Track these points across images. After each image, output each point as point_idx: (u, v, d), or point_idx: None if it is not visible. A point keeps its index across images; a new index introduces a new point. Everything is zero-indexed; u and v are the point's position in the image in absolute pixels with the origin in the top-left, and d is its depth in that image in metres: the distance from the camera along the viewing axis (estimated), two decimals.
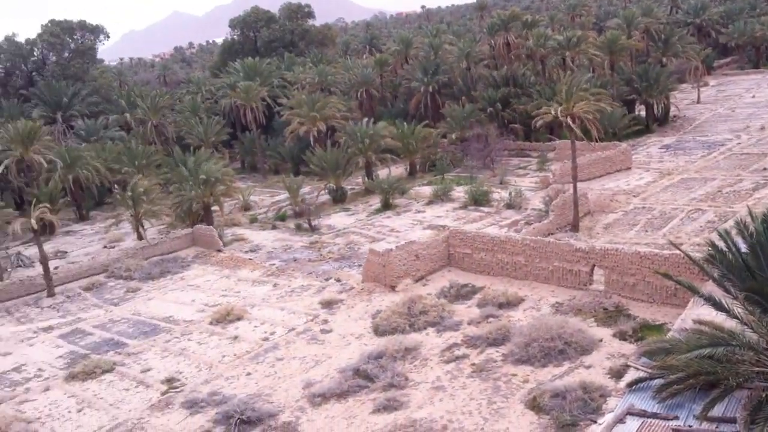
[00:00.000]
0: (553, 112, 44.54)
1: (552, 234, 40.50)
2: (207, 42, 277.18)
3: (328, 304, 35.62)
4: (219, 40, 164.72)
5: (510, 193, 49.81)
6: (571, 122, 43.81)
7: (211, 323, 34.99)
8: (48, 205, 47.38)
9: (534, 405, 23.92)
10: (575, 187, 42.58)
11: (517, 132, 70.34)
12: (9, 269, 47.01)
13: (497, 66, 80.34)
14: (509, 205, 48.74)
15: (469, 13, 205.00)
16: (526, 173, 59.59)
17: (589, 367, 25.93)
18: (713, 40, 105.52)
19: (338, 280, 39.15)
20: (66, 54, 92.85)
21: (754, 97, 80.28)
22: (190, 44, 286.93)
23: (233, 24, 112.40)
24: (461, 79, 78.91)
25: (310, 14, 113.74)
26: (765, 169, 50.02)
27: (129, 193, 50.19)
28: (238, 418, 25.05)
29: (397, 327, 31.32)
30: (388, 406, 25.09)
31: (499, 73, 75.55)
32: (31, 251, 48.88)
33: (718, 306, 20.47)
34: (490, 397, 24.90)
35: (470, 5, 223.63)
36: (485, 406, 24.36)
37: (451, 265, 38.64)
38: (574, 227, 41.95)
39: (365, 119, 65.89)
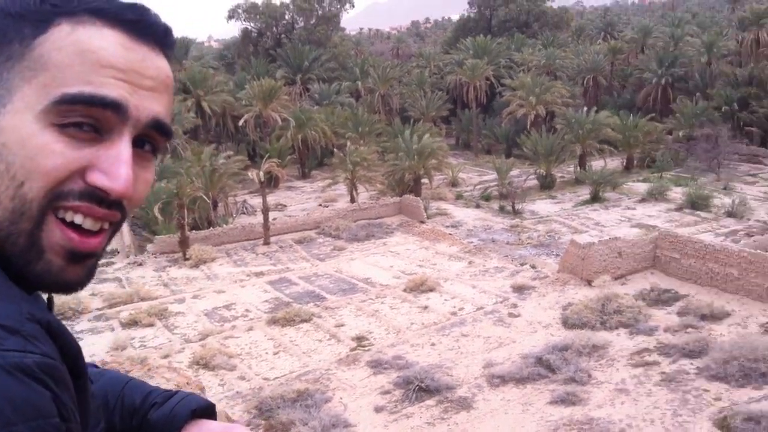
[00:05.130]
0: None
1: None
2: (443, 18, 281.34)
3: (519, 289, 35.53)
4: (455, 17, 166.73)
5: (733, 201, 46.24)
6: None
7: (404, 290, 36.25)
8: (277, 160, 51.51)
9: (723, 425, 22.50)
10: None
11: (752, 136, 64.78)
12: (234, 215, 51.62)
13: (741, 64, 74.21)
14: (730, 213, 45.28)
15: (719, 4, 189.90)
16: (756, 181, 54.84)
17: None
18: None
19: (533, 267, 38.85)
20: (313, 20, 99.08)
21: None
22: (427, 19, 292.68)
23: (472, 1, 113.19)
24: (699, 74, 73.84)
25: None
26: None
27: (348, 158, 53.00)
28: (417, 385, 25.83)
29: (587, 322, 30.62)
30: (566, 400, 24.77)
31: (742, 71, 69.76)
32: (256, 201, 53.33)
33: None
34: (676, 409, 23.76)
35: None
36: (669, 417, 23.31)
37: (655, 267, 36.86)
38: None
39: (588, 107, 64.04)
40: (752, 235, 40.13)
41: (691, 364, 26.70)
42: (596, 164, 59.18)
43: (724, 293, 33.23)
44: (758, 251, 33.87)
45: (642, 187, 53.32)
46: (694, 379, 25.63)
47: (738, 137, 64.38)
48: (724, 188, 51.76)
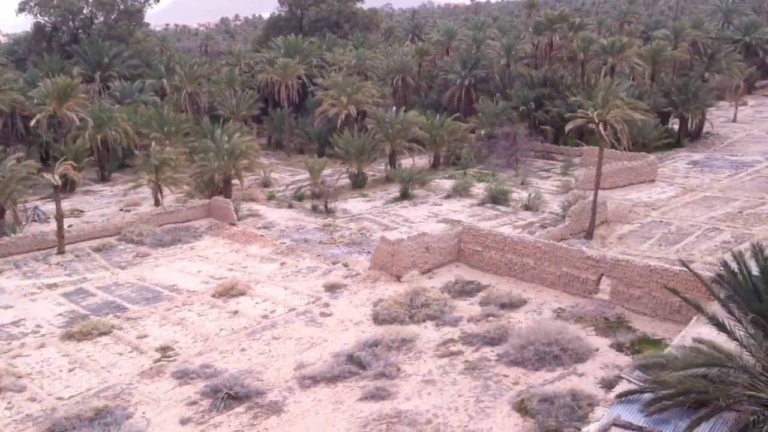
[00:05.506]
0: (581, 119, 43.80)
1: (565, 239, 39.88)
2: (253, 15, 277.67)
3: (331, 288, 35.49)
4: (266, 15, 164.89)
5: (529, 195, 49.20)
6: (602, 129, 43.08)
7: (213, 296, 35.04)
8: (72, 163, 47.92)
9: (521, 407, 23.66)
10: (596, 195, 41.88)
11: (546, 134, 69.49)
12: (24, 223, 47.45)
13: (537, 66, 79.35)
14: (527, 207, 48.13)
15: (517, 10, 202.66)
16: (550, 176, 58.82)
17: (581, 375, 25.55)
18: (760, 60, 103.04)
19: (345, 265, 38.97)
20: (114, 15, 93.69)
21: None
22: (237, 16, 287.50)
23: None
24: (499, 75, 78.03)
25: None
26: None
27: (152, 159, 50.42)
28: (226, 393, 25.04)
29: (397, 317, 31.17)
30: (375, 395, 24.96)
31: (537, 72, 74.56)
32: (49, 207, 49.40)
33: (720, 326, 20.01)
34: (479, 395, 24.65)
35: (520, 2, 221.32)
36: (472, 404, 24.11)
37: (460, 260, 38.27)
38: (588, 235, 41.26)
39: (397, 107, 65.55)
40: (546, 227, 42.82)
41: (492, 351, 27.85)
42: (406, 162, 60.76)
43: (522, 282, 35.12)
44: (551, 241, 36.12)
45: (448, 184, 55.35)
46: (494, 365, 26.74)
47: (534, 135, 68.68)
48: (522, 183, 54.96)
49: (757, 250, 19.43)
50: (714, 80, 79.77)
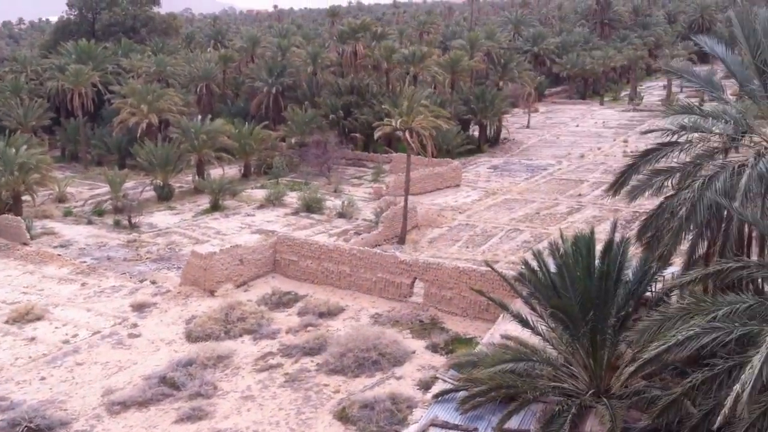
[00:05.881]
0: (394, 124, 44.92)
1: (379, 245, 40.68)
2: (39, 19, 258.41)
3: (139, 307, 33.67)
4: (54, 19, 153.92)
5: (343, 202, 49.69)
6: (408, 136, 44.37)
7: (6, 322, 32.05)
8: None
9: (342, 416, 23.68)
10: (406, 200, 43.08)
11: (356, 141, 70.66)
12: None
13: (343, 74, 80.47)
14: (341, 214, 48.54)
15: (320, 18, 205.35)
16: (361, 183, 59.81)
17: (400, 378, 26.07)
18: (547, 69, 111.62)
19: (154, 282, 37.11)
20: None
21: (578, 126, 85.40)
22: (21, 20, 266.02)
23: (71, 2, 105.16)
24: (306, 83, 78.21)
25: (155, 1, 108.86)
26: (580, 195, 53.05)
27: None
28: (26, 426, 23.12)
29: (212, 334, 30.19)
30: (192, 416, 24.03)
31: (344, 81, 75.62)
32: None
33: (523, 322, 21.15)
34: (300, 407, 24.40)
35: (323, 10, 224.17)
36: (293, 417, 23.81)
37: (276, 271, 37.78)
38: (401, 240, 42.37)
39: (203, 115, 63.65)
40: (360, 234, 43.40)
41: (312, 361, 27.71)
42: (215, 173, 59.08)
43: (339, 290, 35.28)
44: (365, 248, 36.63)
45: (260, 194, 54.53)
46: (315, 375, 26.61)
47: (344, 143, 69.54)
48: (335, 191, 55.36)
49: (553, 249, 20.70)
50: (508, 88, 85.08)
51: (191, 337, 30.24)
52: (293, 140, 66.32)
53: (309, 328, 30.69)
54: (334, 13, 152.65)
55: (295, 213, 49.80)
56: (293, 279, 36.90)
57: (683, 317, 14.79)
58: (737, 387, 11.82)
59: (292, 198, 52.81)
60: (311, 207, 49.73)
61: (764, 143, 19.35)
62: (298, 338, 29.66)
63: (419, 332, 30.04)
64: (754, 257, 19.04)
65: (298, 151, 64.80)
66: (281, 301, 34.10)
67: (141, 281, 37.41)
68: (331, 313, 32.30)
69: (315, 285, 35.99)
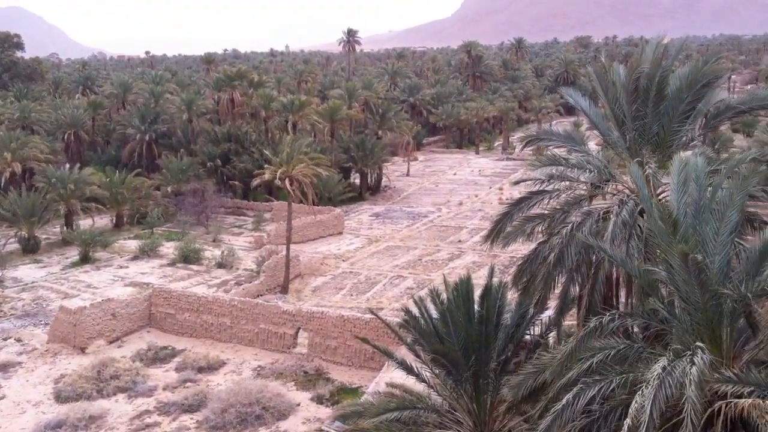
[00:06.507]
0: (268, 175, 44.65)
1: (261, 295, 39.99)
2: None
3: (3, 367, 31.62)
4: None
5: (222, 252, 48.63)
6: (289, 185, 44.20)
7: None
8: None
9: None
10: (288, 249, 42.70)
11: (235, 190, 69.68)
12: None
13: (220, 121, 79.62)
14: (220, 265, 47.45)
15: (195, 65, 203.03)
16: (242, 232, 58.83)
17: None
18: (424, 119, 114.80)
19: (18, 340, 34.87)
20: None
21: (455, 174, 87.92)
22: None
23: None
24: (182, 130, 76.82)
25: (19, 45, 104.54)
26: (460, 241, 54.40)
27: None
28: None
29: (83, 393, 28.65)
30: None
31: (221, 128, 74.79)
32: None
33: (408, 369, 21.16)
34: None
35: (198, 57, 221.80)
36: None
37: (151, 325, 36.38)
38: (284, 289, 41.84)
39: (71, 164, 60.98)
40: (241, 284, 42.51)
41: (191, 418, 26.71)
42: (85, 223, 56.47)
43: (219, 343, 34.31)
44: (247, 299, 35.93)
45: (134, 245, 52.49)
46: None
47: (223, 191, 68.38)
48: (214, 240, 54.10)
49: (434, 295, 20.98)
50: (387, 137, 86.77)
51: (60, 398, 28.56)
52: (169, 189, 64.53)
53: (188, 384, 29.62)
54: (209, 60, 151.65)
55: (172, 264, 48.21)
56: (170, 333, 35.64)
57: (560, 371, 15.23)
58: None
59: (169, 248, 51.17)
60: (189, 257, 48.32)
61: (626, 191, 20.60)
62: (177, 395, 28.54)
63: (304, 384, 29.57)
64: (623, 298, 20.10)
65: (174, 200, 63.07)
66: (158, 357, 32.82)
67: (4, 339, 35.10)
68: (211, 367, 31.34)
69: (194, 338, 34.87)
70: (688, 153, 19.36)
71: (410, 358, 21.53)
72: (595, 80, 22.11)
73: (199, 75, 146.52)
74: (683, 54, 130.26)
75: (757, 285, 13.63)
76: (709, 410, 12.45)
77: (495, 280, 21.45)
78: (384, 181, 78.17)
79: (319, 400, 28.04)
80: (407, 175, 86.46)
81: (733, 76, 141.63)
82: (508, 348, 20.28)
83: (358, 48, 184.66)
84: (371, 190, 75.41)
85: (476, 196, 72.86)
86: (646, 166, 19.67)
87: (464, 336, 19.63)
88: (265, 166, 46.08)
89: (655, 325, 15.29)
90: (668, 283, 14.49)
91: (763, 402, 11.75)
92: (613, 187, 21.12)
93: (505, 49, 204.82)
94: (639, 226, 18.94)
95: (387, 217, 64.20)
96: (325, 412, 26.73)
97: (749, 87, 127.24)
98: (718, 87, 22.04)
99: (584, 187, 21.28)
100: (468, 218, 62.56)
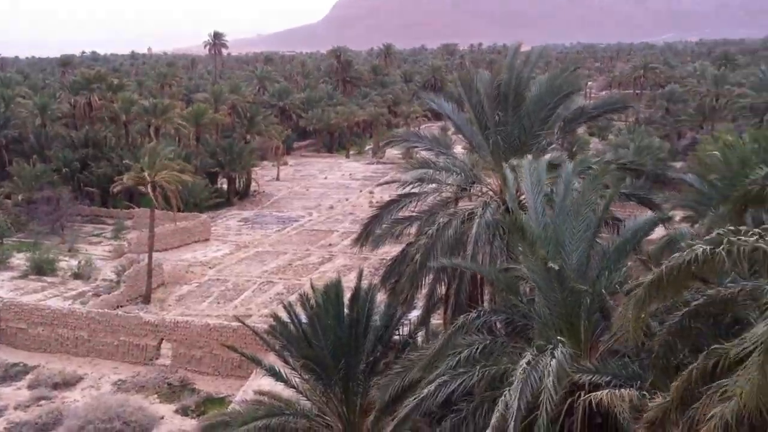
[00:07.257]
0: (130, 180, 42.80)
1: (122, 306, 38.19)
2: None
3: None
4: None
5: (79, 262, 46.09)
6: (152, 191, 42.52)
7: None
8: None
9: None
10: (150, 258, 41.05)
11: (93, 197, 66.31)
12: None
13: (77, 126, 75.65)
14: (77, 275, 44.92)
15: (50, 67, 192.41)
16: (100, 241, 55.93)
17: None
18: (294, 123, 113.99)
19: None
20: None
21: (326, 178, 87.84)
22: None
23: None
24: (34, 136, 72.39)
25: None
26: (330, 245, 54.29)
27: None
28: None
29: None
30: None
31: (78, 133, 71.09)
32: None
33: (277, 376, 20.74)
34: None
35: (53, 59, 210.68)
36: None
37: (1, 342, 33.85)
38: (146, 299, 40.13)
39: None
40: (100, 295, 40.35)
41: None
42: None
43: (76, 357, 32.51)
44: (105, 310, 34.22)
45: None
46: None
47: (80, 198, 64.87)
48: (70, 250, 51.16)
49: (304, 299, 20.72)
50: (255, 142, 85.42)
51: None
52: (20, 197, 60.62)
53: (41, 402, 27.86)
54: (66, 62, 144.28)
55: (24, 276, 45.19)
56: (22, 349, 33.43)
57: (428, 369, 15.36)
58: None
59: (20, 260, 47.94)
60: (42, 269, 45.47)
61: (490, 193, 21.15)
62: (29, 414, 26.81)
63: (168, 396, 28.48)
64: (487, 296, 20.58)
65: (27, 209, 59.28)
66: (8, 375, 30.79)
67: None
68: (67, 383, 29.63)
69: (48, 354, 32.85)
70: (547, 156, 20.13)
71: (279, 365, 21.13)
72: (460, 86, 22.59)
73: (55, 78, 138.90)
74: (543, 61, 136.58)
75: (611, 281, 14.34)
76: (569, 399, 12.88)
77: (365, 282, 21.47)
78: (253, 186, 76.90)
79: (184, 411, 27.11)
80: (277, 179, 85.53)
81: (589, 83, 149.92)
82: (377, 349, 20.28)
83: (225, 51, 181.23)
84: (240, 195, 73.98)
85: (347, 199, 73.09)
86: (505, 170, 20.27)
87: (334, 339, 19.45)
88: (126, 173, 44.12)
89: (518, 321, 15.73)
90: (529, 279, 14.96)
91: (618, 391, 12.27)
92: (478, 189, 21.65)
93: (375, 55, 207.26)
94: (502, 227, 19.49)
95: (256, 223, 63.19)
96: (190, 423, 25.85)
97: (604, 93, 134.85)
98: (575, 93, 23.13)
99: (451, 190, 21.68)
100: (339, 222, 62.62)
